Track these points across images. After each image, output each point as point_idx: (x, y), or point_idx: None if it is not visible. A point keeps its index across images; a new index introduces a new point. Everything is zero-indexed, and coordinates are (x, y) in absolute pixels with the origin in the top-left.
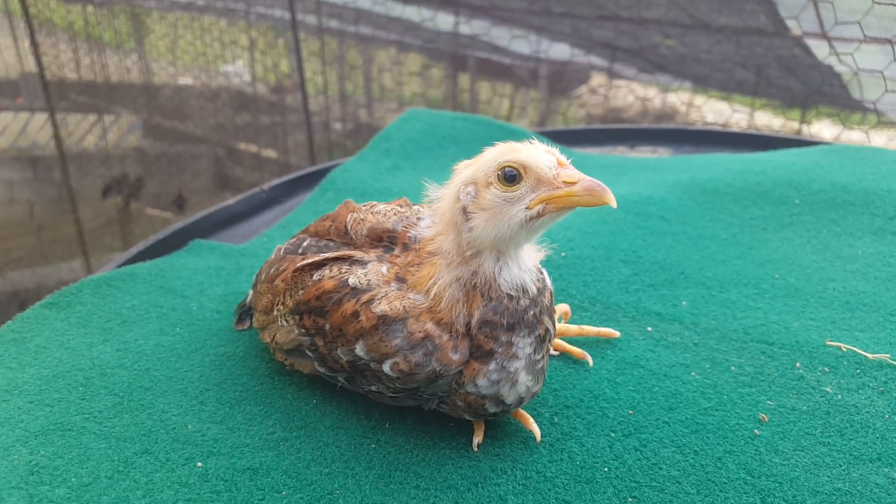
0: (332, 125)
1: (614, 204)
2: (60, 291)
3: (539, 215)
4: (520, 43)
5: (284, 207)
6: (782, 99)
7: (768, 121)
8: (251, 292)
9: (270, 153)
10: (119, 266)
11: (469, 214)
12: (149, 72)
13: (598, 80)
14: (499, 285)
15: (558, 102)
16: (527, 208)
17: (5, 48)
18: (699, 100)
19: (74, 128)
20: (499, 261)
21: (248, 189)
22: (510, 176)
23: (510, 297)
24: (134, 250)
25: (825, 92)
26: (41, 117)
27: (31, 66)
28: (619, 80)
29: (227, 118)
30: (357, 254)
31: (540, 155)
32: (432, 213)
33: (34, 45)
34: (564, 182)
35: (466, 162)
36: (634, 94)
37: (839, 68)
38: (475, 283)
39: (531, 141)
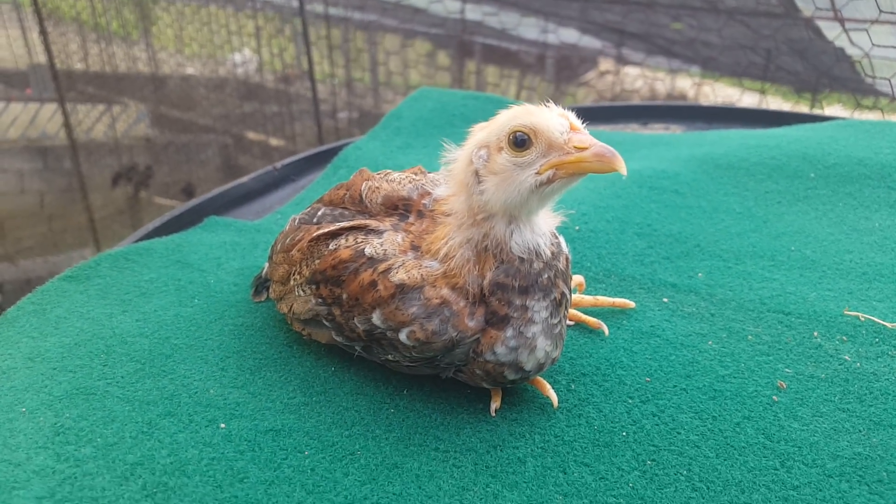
0: (338, 113)
1: (624, 171)
2: (79, 265)
3: (549, 181)
4: (527, 27)
5: (297, 185)
6: (792, 83)
7: (778, 105)
8: (267, 264)
9: (277, 141)
10: (136, 241)
11: (481, 178)
12: (156, 62)
13: (605, 64)
14: (510, 248)
15: (566, 86)
16: (537, 174)
17: (14, 39)
18: (708, 84)
19: (83, 118)
20: (510, 224)
21: None
22: (520, 140)
23: (522, 259)
24: (150, 226)
25: (835, 75)
26: (50, 108)
27: (39, 57)
28: (626, 65)
29: (234, 107)
30: (373, 223)
31: (552, 119)
32: (447, 174)
33: (44, 34)
34: (575, 147)
35: (482, 124)
36: (643, 77)
37: (850, 50)
38: (486, 245)
39: (547, 103)
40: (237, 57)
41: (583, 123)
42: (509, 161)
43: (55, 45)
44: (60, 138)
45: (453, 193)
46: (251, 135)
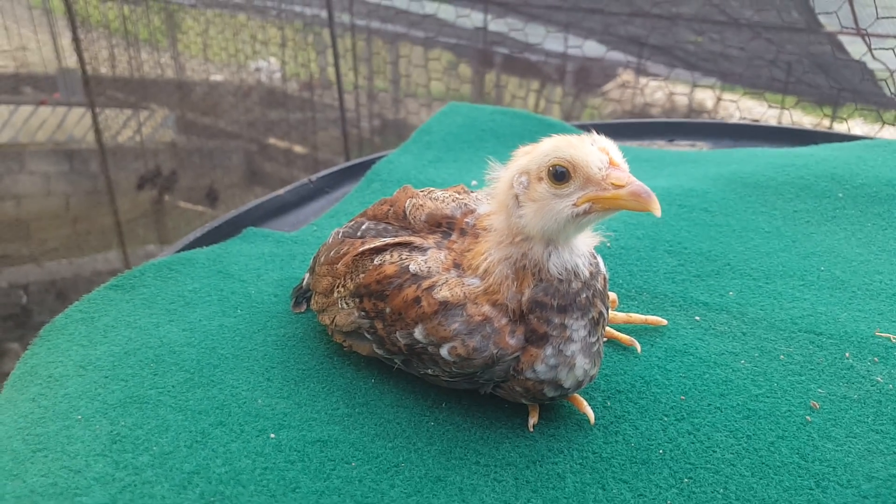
0: (361, 122)
1: (658, 212)
2: (124, 274)
3: (586, 213)
4: (549, 40)
5: (331, 198)
6: (812, 97)
7: (799, 119)
8: (307, 276)
9: (301, 149)
10: (178, 251)
11: (520, 203)
12: (182, 69)
13: (625, 76)
14: (548, 269)
15: (586, 98)
16: (574, 205)
17: (43, 44)
18: (728, 97)
19: (111, 122)
20: (548, 246)
21: (279, 184)
22: (559, 174)
23: (560, 279)
24: (191, 236)
25: (858, 90)
26: (78, 112)
27: (68, 61)
28: (647, 77)
29: (258, 114)
30: (417, 240)
31: (591, 154)
32: (489, 191)
33: (76, 40)
34: (613, 184)
35: (526, 148)
36: (663, 90)
37: (873, 65)
38: (524, 265)
39: (590, 133)
40: (262, 65)
41: (615, 144)
42: (548, 191)
43: (86, 51)
44: (87, 142)
45: (494, 212)
46: (276, 142)
